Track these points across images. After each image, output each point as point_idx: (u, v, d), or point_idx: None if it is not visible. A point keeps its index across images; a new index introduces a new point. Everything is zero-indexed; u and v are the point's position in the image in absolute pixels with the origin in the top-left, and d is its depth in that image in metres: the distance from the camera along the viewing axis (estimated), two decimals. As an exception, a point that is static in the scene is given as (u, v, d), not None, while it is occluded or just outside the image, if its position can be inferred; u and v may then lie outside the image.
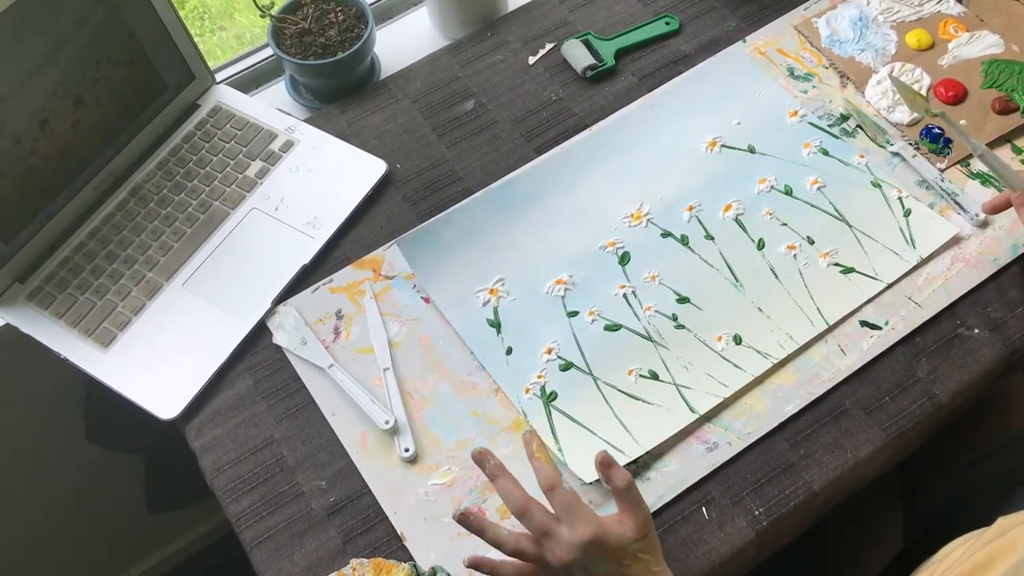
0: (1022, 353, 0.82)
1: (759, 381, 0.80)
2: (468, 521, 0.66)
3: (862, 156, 0.91)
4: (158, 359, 0.83)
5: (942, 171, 0.89)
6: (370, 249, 0.89)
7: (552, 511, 0.65)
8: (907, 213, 0.87)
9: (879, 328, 0.82)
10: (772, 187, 0.90)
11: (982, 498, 0.86)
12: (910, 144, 0.91)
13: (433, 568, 0.72)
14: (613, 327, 0.83)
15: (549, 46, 1.02)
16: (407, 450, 0.77)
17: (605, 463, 0.66)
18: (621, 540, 0.64)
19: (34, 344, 0.84)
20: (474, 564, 0.68)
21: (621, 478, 0.65)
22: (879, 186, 0.89)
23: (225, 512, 0.78)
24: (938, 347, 0.81)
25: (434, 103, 0.99)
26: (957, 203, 0.87)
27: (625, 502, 0.65)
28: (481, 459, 0.67)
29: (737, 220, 0.88)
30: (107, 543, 1.36)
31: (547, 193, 0.91)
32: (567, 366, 0.81)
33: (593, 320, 0.83)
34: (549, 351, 0.82)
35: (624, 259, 0.87)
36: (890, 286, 0.84)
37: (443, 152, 0.95)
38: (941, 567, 0.66)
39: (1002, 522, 0.61)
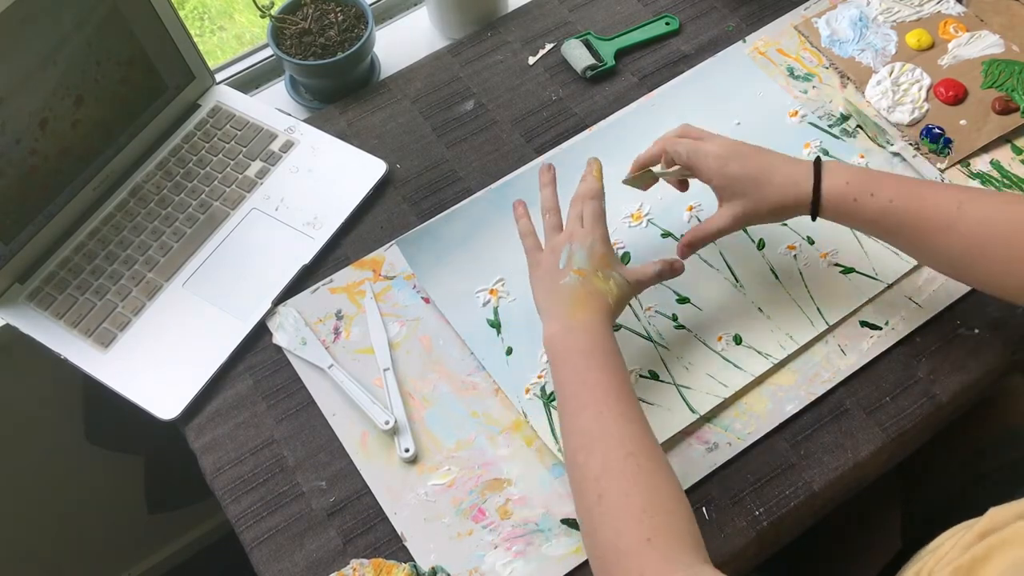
0: (1022, 353, 0.82)
1: (759, 381, 0.80)
2: (543, 172, 0.82)
3: (862, 156, 0.91)
4: (158, 359, 0.83)
5: (942, 171, 0.89)
6: (370, 249, 0.89)
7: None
8: (907, 213, 0.87)
9: (879, 328, 0.82)
10: (772, 187, 0.89)
11: (980, 496, 0.86)
12: (910, 144, 0.91)
13: (433, 568, 0.72)
14: (613, 327, 0.83)
15: (549, 46, 1.02)
16: (407, 450, 0.77)
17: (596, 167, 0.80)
18: (614, 260, 0.75)
19: (34, 344, 0.84)
20: (516, 204, 0.83)
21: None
22: (879, 186, 0.89)
23: (225, 512, 0.78)
24: (938, 347, 0.81)
25: (434, 103, 0.99)
26: (957, 203, 0.87)
27: (652, 263, 0.76)
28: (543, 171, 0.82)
29: (737, 220, 0.88)
30: (107, 543, 1.36)
31: (547, 193, 0.91)
32: (567, 366, 0.81)
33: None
34: (549, 351, 0.82)
35: (624, 259, 0.87)
36: (890, 286, 0.84)
37: (443, 152, 0.95)
38: (933, 558, 0.66)
39: (993, 513, 0.61)
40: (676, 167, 0.79)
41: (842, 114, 0.94)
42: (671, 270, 0.76)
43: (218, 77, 1.01)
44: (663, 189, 0.90)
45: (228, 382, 0.83)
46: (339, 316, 0.85)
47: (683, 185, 0.85)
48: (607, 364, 0.68)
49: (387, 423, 0.78)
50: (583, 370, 0.68)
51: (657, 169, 0.81)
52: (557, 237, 0.76)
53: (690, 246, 0.80)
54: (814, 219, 0.75)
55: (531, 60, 1.01)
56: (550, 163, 0.82)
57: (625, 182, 0.84)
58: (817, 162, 0.74)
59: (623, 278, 0.73)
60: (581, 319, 0.70)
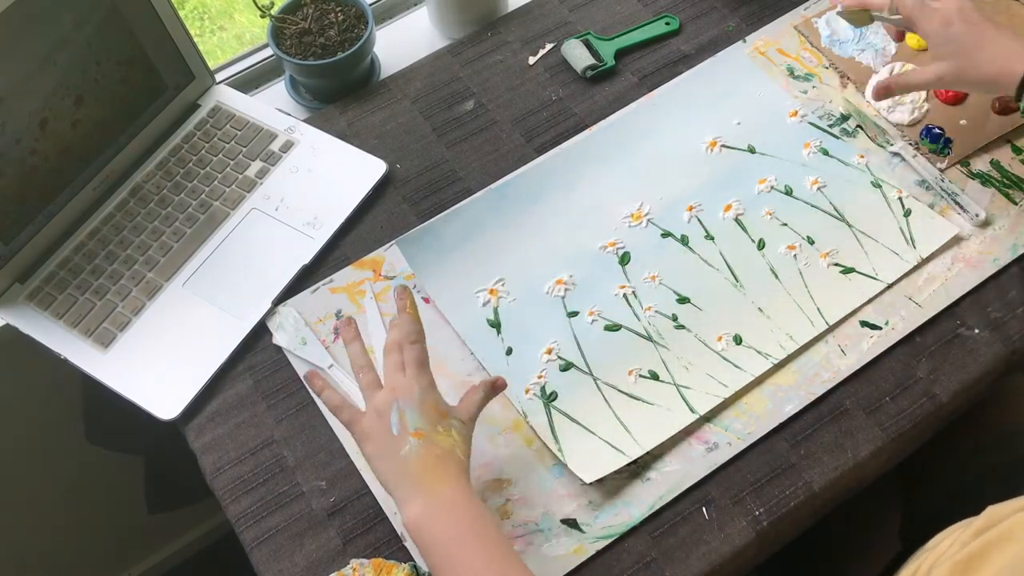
0: (1022, 353, 0.82)
1: (759, 381, 0.80)
2: (343, 329, 0.74)
3: (862, 156, 0.91)
4: (158, 359, 0.83)
5: (942, 171, 0.89)
6: (370, 249, 0.89)
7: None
8: (907, 213, 0.87)
9: (879, 328, 0.82)
10: (772, 187, 0.90)
11: (980, 496, 0.86)
12: (910, 144, 0.91)
13: (433, 568, 0.72)
14: (613, 327, 0.83)
15: (549, 46, 1.02)
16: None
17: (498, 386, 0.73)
18: (444, 407, 0.69)
19: (34, 344, 0.84)
20: (310, 376, 0.74)
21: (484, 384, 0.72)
22: (879, 186, 0.89)
23: (225, 512, 0.78)
24: (938, 347, 0.81)
25: (434, 103, 0.99)
26: (957, 203, 0.87)
27: (475, 390, 0.71)
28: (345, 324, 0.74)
29: (737, 220, 0.88)
30: (107, 543, 1.36)
31: (547, 193, 0.91)
32: (567, 366, 0.81)
33: (593, 320, 0.83)
34: (549, 351, 0.82)
35: (624, 259, 0.87)
36: (890, 286, 0.84)
37: (443, 152, 0.95)
38: (932, 556, 0.66)
39: (991, 511, 0.61)
40: (897, 15, 0.80)
41: (842, 114, 0.94)
42: (494, 389, 0.72)
43: (218, 77, 1.01)
44: (663, 189, 0.90)
45: (228, 382, 0.83)
46: (339, 316, 0.85)
47: (899, 35, 0.85)
48: (482, 544, 0.63)
49: (387, 423, 0.78)
50: (458, 557, 0.63)
51: (878, 14, 0.82)
52: (377, 396, 0.69)
53: (887, 89, 0.82)
54: (1018, 100, 0.74)
55: (531, 60, 1.01)
56: (349, 316, 0.77)
57: (840, 14, 0.85)
58: None
59: (460, 421, 0.69)
60: (441, 494, 0.64)
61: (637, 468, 0.76)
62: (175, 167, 0.93)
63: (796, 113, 0.94)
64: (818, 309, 0.83)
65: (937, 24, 0.77)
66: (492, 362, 0.81)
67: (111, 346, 0.84)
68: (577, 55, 0.99)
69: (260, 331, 0.85)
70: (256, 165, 0.93)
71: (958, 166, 0.90)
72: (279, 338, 0.84)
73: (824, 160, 0.91)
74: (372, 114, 0.98)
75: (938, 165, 0.90)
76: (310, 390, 0.71)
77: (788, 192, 0.89)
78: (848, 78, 0.96)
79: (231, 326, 0.84)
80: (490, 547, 0.63)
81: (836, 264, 0.85)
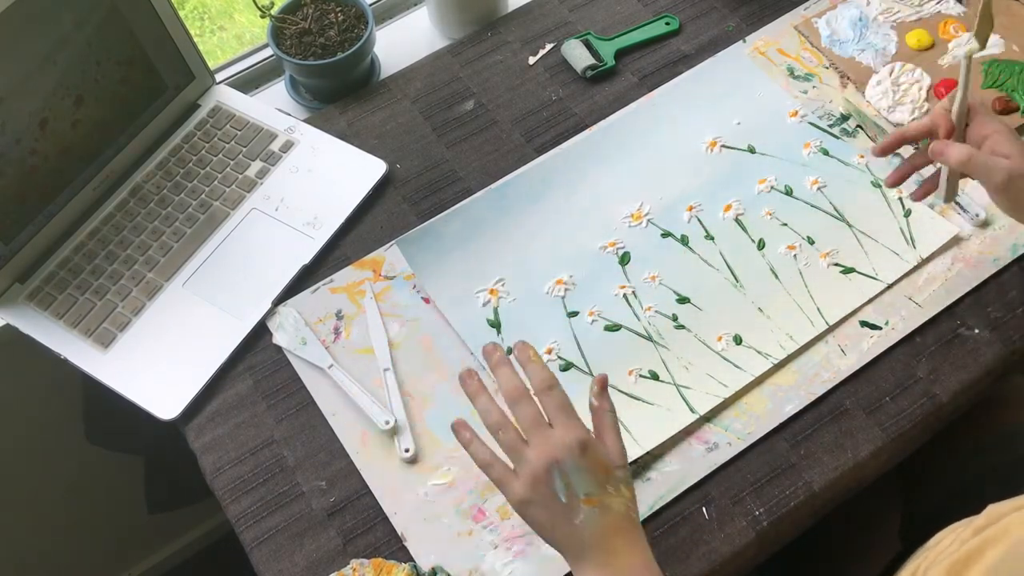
0: (1022, 353, 0.82)
1: (759, 381, 0.80)
2: (466, 382, 0.66)
3: (862, 156, 0.91)
4: (158, 359, 0.83)
5: (942, 171, 0.89)
6: (370, 249, 0.89)
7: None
8: (907, 213, 0.87)
9: (879, 328, 0.82)
10: (772, 187, 0.90)
11: (980, 496, 0.86)
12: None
13: (433, 568, 0.72)
14: (613, 327, 0.83)
15: (549, 46, 1.02)
16: (407, 450, 0.77)
17: (603, 383, 0.65)
18: (606, 458, 0.62)
19: (34, 344, 0.84)
20: (458, 427, 0.66)
21: (609, 402, 0.65)
22: (879, 186, 0.89)
23: (225, 512, 0.78)
24: (938, 347, 0.81)
25: (434, 103, 0.99)
26: (957, 203, 0.87)
27: (607, 426, 0.64)
28: (467, 376, 0.67)
29: (737, 220, 0.88)
30: (107, 543, 1.36)
31: (547, 193, 0.91)
32: (567, 366, 0.81)
33: (593, 320, 0.83)
34: (549, 351, 0.82)
35: (624, 259, 0.87)
36: (890, 286, 0.84)
37: (443, 152, 0.95)
38: (932, 554, 0.66)
39: (991, 510, 0.61)
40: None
41: (842, 114, 0.94)
42: (605, 397, 0.66)
43: (218, 77, 1.01)
44: (663, 189, 0.90)
45: (228, 382, 0.83)
46: (339, 316, 0.85)
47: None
48: None
49: (387, 423, 0.78)
50: None
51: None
52: (529, 457, 0.62)
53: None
54: None
55: (531, 60, 1.01)
56: (470, 369, 0.67)
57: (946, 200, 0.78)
58: None
59: (623, 470, 0.63)
60: (622, 568, 0.61)
61: (637, 468, 0.76)
62: (175, 167, 0.93)
63: (796, 113, 0.94)
64: (818, 309, 0.83)
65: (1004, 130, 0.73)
66: (492, 362, 0.81)
67: (111, 346, 0.84)
68: (577, 55, 0.99)
69: (260, 331, 0.85)
70: (256, 165, 0.93)
71: (958, 166, 0.90)
72: (279, 338, 0.84)
73: (824, 160, 0.91)
74: (372, 114, 0.98)
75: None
76: (458, 441, 0.66)
77: (788, 192, 0.89)
78: (848, 78, 0.96)
79: (231, 326, 0.84)
80: None
81: (836, 264, 0.85)
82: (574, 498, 0.61)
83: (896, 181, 0.80)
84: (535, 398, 0.64)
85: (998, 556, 0.56)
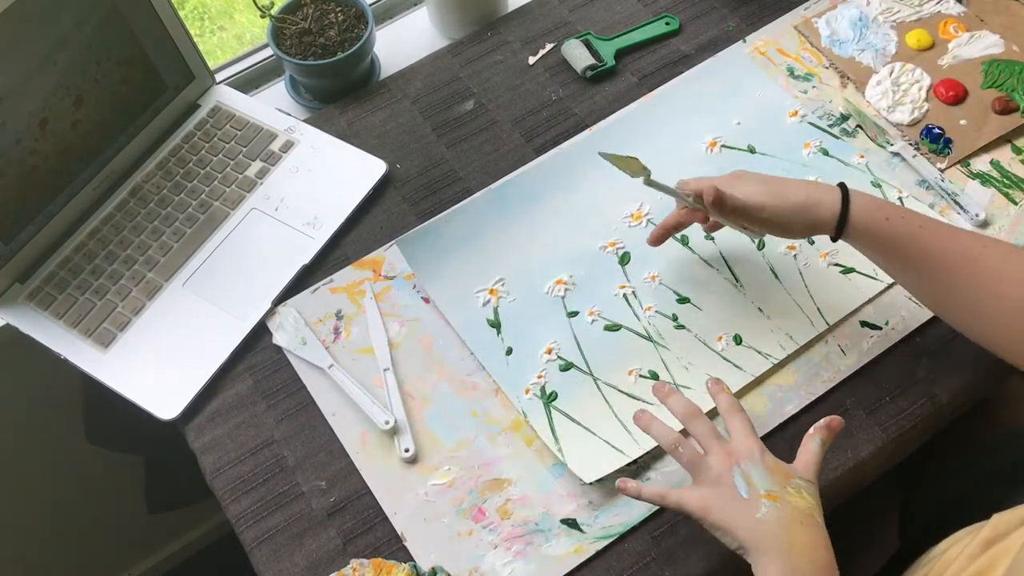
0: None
1: (759, 381, 0.80)
2: (638, 419, 0.72)
3: (862, 156, 0.91)
4: (158, 359, 0.83)
5: (942, 171, 0.89)
6: (370, 249, 0.89)
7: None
8: (907, 213, 0.87)
9: (879, 328, 0.82)
10: (772, 187, 0.89)
11: (980, 497, 0.86)
12: (910, 144, 0.91)
13: (433, 568, 0.72)
14: (613, 327, 0.83)
15: (549, 46, 1.02)
16: (407, 450, 0.77)
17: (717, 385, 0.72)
18: (787, 467, 0.66)
19: (34, 344, 0.84)
20: (637, 418, 0.72)
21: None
22: (879, 186, 0.89)
23: (225, 512, 0.78)
24: (938, 347, 0.81)
25: (434, 103, 0.99)
26: (957, 203, 0.87)
27: (814, 445, 0.68)
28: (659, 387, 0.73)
29: (737, 220, 0.88)
30: (107, 543, 1.36)
31: (547, 193, 0.91)
32: (567, 366, 0.81)
33: (593, 320, 0.83)
34: (549, 351, 0.82)
35: (624, 259, 0.87)
36: (890, 286, 0.83)
37: (443, 152, 0.95)
38: (938, 565, 0.66)
39: (997, 520, 0.61)
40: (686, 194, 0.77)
41: (842, 114, 0.94)
42: (829, 432, 0.68)
43: (218, 77, 1.01)
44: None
45: (228, 382, 0.83)
46: (339, 316, 0.85)
47: (703, 218, 0.81)
48: None
49: (387, 423, 0.78)
50: None
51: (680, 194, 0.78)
52: (710, 463, 0.66)
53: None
54: (837, 238, 0.72)
55: (531, 60, 1.01)
56: (642, 411, 0.72)
57: (603, 155, 0.78)
58: (842, 185, 0.73)
59: (807, 481, 0.66)
60: (806, 568, 0.62)
61: (637, 468, 0.76)
62: (175, 167, 0.93)
63: (796, 113, 0.94)
64: (818, 309, 0.83)
65: (733, 178, 0.76)
66: (492, 362, 0.81)
67: (111, 346, 0.84)
68: (577, 55, 0.99)
69: (260, 331, 0.85)
70: (256, 165, 0.93)
71: (958, 166, 0.90)
72: (279, 338, 0.84)
73: (824, 160, 0.91)
74: (372, 114, 0.98)
75: (938, 165, 0.90)
76: (642, 430, 0.71)
77: (788, 192, 0.89)
78: (848, 78, 0.96)
79: (231, 326, 0.84)
80: None
81: (836, 264, 0.85)
82: (755, 494, 0.63)
83: (655, 242, 0.83)
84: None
85: (1004, 570, 0.56)
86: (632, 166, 0.76)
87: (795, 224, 0.73)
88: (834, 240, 0.73)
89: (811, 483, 0.66)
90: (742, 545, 0.63)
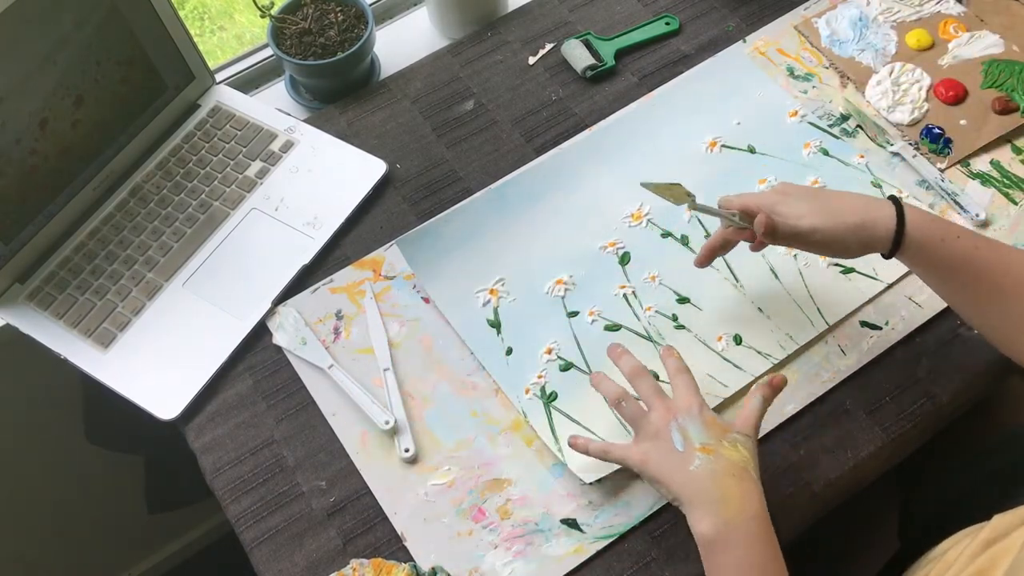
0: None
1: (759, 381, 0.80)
2: (593, 379, 0.74)
3: (862, 156, 0.91)
4: (158, 359, 0.83)
5: (942, 171, 0.89)
6: (370, 249, 0.89)
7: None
8: (907, 213, 0.87)
9: (879, 328, 0.82)
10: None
11: (980, 497, 0.86)
12: (910, 144, 0.91)
13: (433, 568, 0.72)
14: (613, 327, 0.83)
15: (549, 46, 1.02)
16: (407, 450, 0.77)
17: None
18: (724, 422, 0.68)
19: (34, 344, 0.84)
20: (594, 377, 0.73)
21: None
22: (879, 186, 0.89)
23: (225, 512, 0.78)
24: (938, 347, 0.81)
25: (434, 103, 0.99)
26: (957, 203, 0.87)
27: (755, 402, 0.69)
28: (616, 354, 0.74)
29: (737, 220, 0.88)
30: (107, 543, 1.36)
31: (547, 193, 0.91)
32: (567, 366, 0.81)
33: (593, 320, 0.83)
34: (549, 351, 0.82)
35: (624, 259, 0.87)
36: (890, 286, 0.84)
37: (443, 152, 0.95)
38: (939, 566, 0.66)
39: (998, 521, 0.61)
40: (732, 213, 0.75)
41: (842, 114, 0.94)
42: (772, 389, 0.70)
43: (218, 77, 1.01)
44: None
45: (228, 382, 0.83)
46: (339, 316, 0.85)
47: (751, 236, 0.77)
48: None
49: (387, 423, 0.78)
50: None
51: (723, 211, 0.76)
52: (650, 418, 0.69)
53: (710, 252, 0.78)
54: (891, 256, 0.71)
55: (531, 60, 1.01)
56: (599, 374, 0.74)
57: (646, 185, 0.76)
58: (893, 199, 0.71)
59: (744, 435, 0.67)
60: (736, 518, 0.63)
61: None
62: (175, 167, 0.93)
63: (796, 113, 0.94)
64: (818, 309, 0.83)
65: (779, 195, 0.73)
66: (492, 362, 0.81)
67: (111, 346, 0.84)
68: (577, 55, 0.99)
69: (260, 331, 0.85)
70: (256, 165, 0.93)
71: (958, 166, 0.90)
72: (279, 338, 0.84)
73: (824, 160, 0.91)
74: (372, 114, 0.98)
75: (938, 165, 0.90)
76: (594, 388, 0.73)
77: (788, 192, 0.89)
78: (848, 78, 0.96)
79: (231, 326, 0.84)
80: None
81: (836, 264, 0.85)
82: (691, 447, 0.66)
83: (701, 264, 0.80)
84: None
85: (1004, 571, 0.56)
86: (676, 193, 0.75)
87: (851, 246, 0.71)
88: (887, 258, 0.71)
89: (748, 437, 0.67)
90: (676, 497, 0.66)
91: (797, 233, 0.71)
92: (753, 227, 0.73)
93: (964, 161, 0.90)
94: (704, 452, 0.65)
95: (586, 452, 0.72)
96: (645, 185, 0.76)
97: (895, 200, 0.71)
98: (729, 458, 0.65)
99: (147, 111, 0.92)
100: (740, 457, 0.65)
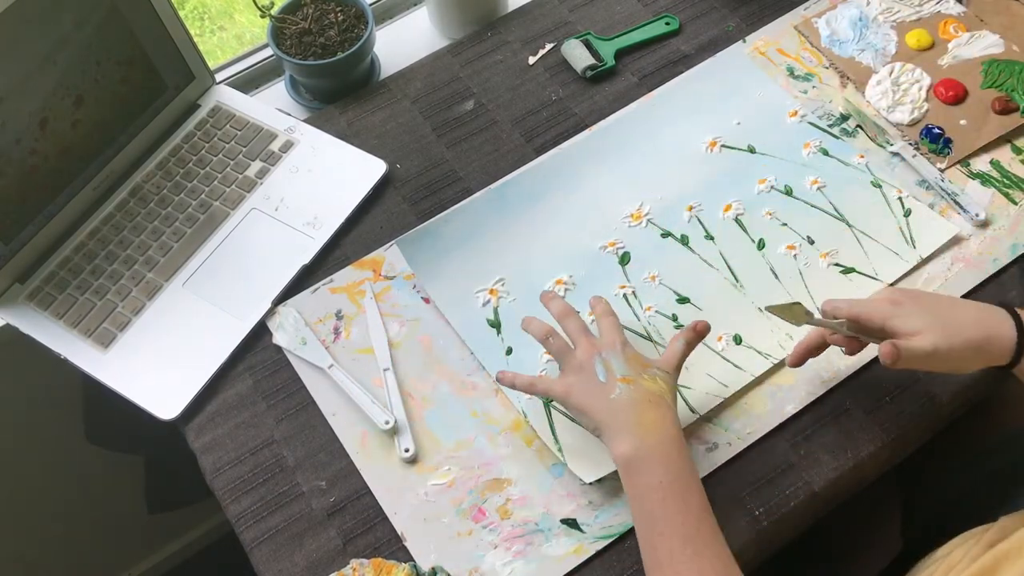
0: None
1: (759, 381, 0.80)
2: (523, 322, 0.77)
3: (862, 156, 0.91)
4: (158, 359, 0.83)
5: (942, 171, 0.89)
6: (370, 249, 0.89)
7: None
8: (907, 213, 0.87)
9: (879, 328, 0.82)
10: (772, 187, 0.90)
11: (981, 497, 0.86)
12: (910, 144, 0.91)
13: (433, 568, 0.72)
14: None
15: (549, 46, 1.02)
16: (407, 450, 0.77)
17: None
18: (644, 359, 0.71)
19: (34, 344, 0.84)
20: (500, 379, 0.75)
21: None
22: (879, 186, 0.89)
23: (225, 512, 0.78)
24: (938, 347, 0.81)
25: (434, 103, 0.99)
26: (957, 203, 0.87)
27: (678, 345, 0.72)
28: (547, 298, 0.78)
29: (737, 220, 0.88)
30: (107, 543, 1.36)
31: (547, 193, 0.91)
32: (567, 366, 0.81)
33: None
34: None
35: (624, 259, 0.87)
36: (890, 286, 0.83)
37: (443, 152, 0.95)
38: (942, 567, 0.66)
39: (1004, 522, 0.61)
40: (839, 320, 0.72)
41: (842, 114, 0.94)
42: (696, 334, 0.73)
43: (218, 77, 1.01)
44: (663, 189, 0.90)
45: (228, 382, 0.83)
46: (339, 316, 0.85)
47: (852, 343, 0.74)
48: (683, 502, 0.65)
49: (387, 423, 0.78)
50: (658, 510, 0.65)
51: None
52: (576, 353, 0.72)
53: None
54: (1013, 366, 0.68)
55: (531, 60, 1.01)
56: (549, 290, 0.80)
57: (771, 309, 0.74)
58: (1008, 307, 0.69)
59: (664, 371, 0.70)
60: (651, 439, 0.66)
61: (637, 468, 0.76)
62: (175, 167, 0.93)
63: (796, 113, 0.94)
64: (818, 309, 0.82)
65: (891, 305, 0.70)
66: (492, 362, 0.81)
67: (111, 346, 0.84)
68: (577, 55, 0.99)
69: (260, 331, 0.85)
70: (256, 165, 0.93)
71: (958, 166, 0.90)
72: (279, 338, 0.84)
73: (824, 160, 0.91)
74: (372, 114, 0.98)
75: (938, 165, 0.90)
76: (523, 329, 0.76)
77: (788, 192, 0.89)
78: (848, 78, 0.96)
79: (231, 326, 0.84)
80: (691, 503, 0.65)
81: (836, 264, 0.85)
82: (612, 378, 0.69)
83: (796, 362, 0.76)
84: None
85: (1017, 573, 0.56)
86: (796, 313, 0.73)
87: (972, 363, 0.69)
88: (1005, 371, 0.70)
89: (668, 374, 0.70)
90: (597, 425, 0.69)
91: (919, 358, 0.67)
92: (860, 337, 0.71)
93: (964, 161, 0.90)
94: (624, 382, 0.69)
95: (513, 385, 0.74)
96: (768, 309, 0.74)
97: (1009, 308, 0.69)
98: (648, 388, 0.68)
99: (147, 111, 0.92)
100: (658, 388, 0.69)
